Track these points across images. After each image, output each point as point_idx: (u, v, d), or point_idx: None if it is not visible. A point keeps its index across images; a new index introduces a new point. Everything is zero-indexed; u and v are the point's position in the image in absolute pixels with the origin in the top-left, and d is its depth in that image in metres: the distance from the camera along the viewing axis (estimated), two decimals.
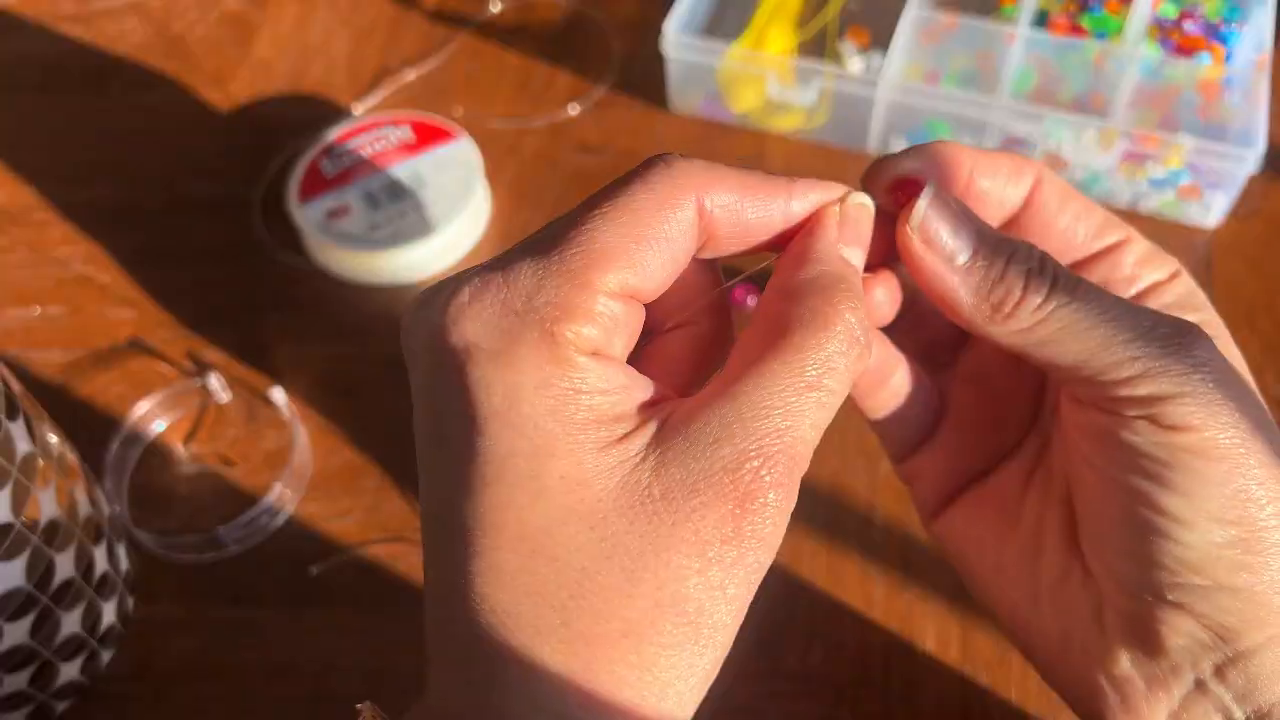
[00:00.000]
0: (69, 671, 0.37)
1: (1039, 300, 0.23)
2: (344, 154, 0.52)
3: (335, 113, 0.56)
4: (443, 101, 0.56)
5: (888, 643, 0.38)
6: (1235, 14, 0.56)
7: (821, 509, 0.41)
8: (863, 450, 0.42)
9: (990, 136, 0.50)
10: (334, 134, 0.52)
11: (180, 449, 0.45)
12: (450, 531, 0.20)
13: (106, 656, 0.39)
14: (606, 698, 0.19)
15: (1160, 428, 0.23)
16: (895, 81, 0.50)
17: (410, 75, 0.58)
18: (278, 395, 0.45)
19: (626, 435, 0.20)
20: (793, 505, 0.21)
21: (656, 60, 0.54)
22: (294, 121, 0.56)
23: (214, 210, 0.53)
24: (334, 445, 0.44)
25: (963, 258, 0.24)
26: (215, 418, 0.45)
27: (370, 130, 0.53)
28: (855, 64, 0.54)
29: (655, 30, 0.52)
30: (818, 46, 0.56)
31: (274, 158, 0.54)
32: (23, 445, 0.33)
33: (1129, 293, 0.26)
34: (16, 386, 0.35)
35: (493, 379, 0.20)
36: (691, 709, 0.20)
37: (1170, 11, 0.57)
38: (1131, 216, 0.50)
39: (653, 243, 0.21)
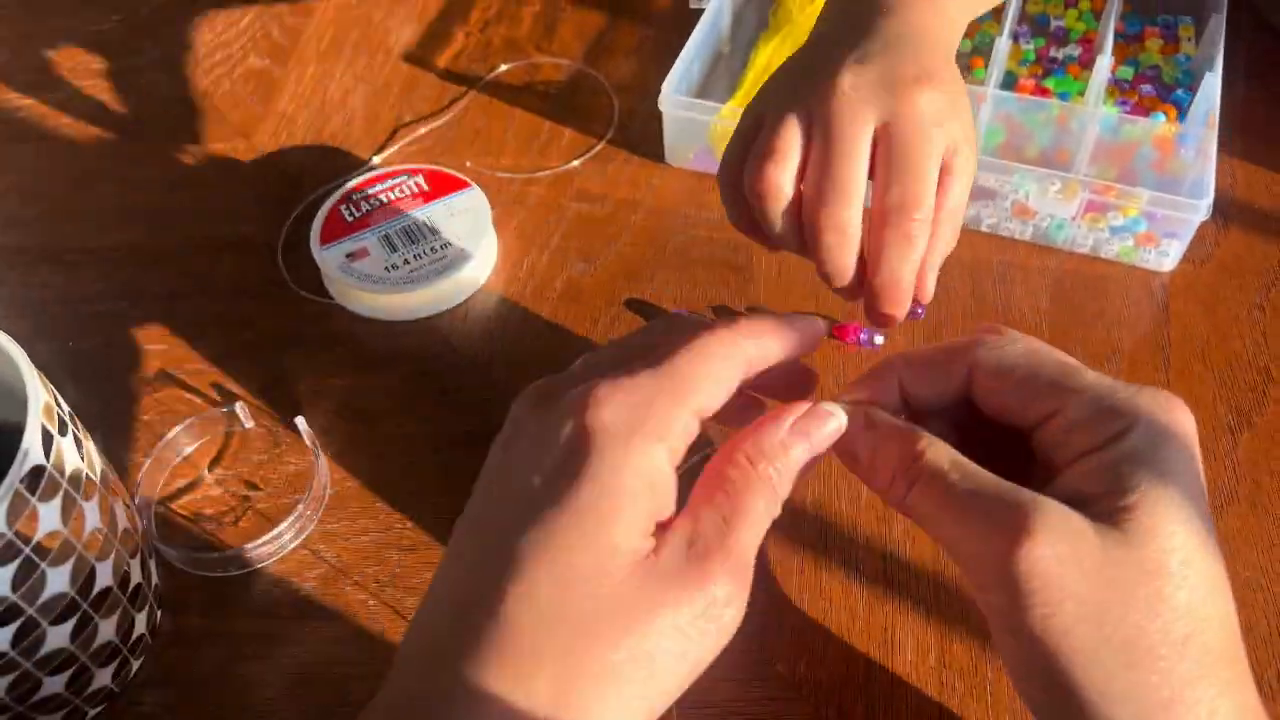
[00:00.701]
0: (102, 678, 0.40)
1: (903, 492, 0.29)
2: (362, 201, 0.55)
3: (354, 163, 0.60)
4: (454, 154, 0.60)
5: (870, 651, 0.41)
6: (1187, 77, 0.61)
7: (808, 527, 0.44)
8: (846, 475, 0.45)
9: None
10: (353, 182, 0.56)
11: (207, 473, 0.48)
12: (502, 554, 0.26)
13: (136, 665, 0.42)
14: (578, 711, 0.25)
15: (1002, 617, 0.27)
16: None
17: (424, 129, 0.62)
18: (300, 423, 0.48)
19: (660, 523, 0.27)
20: (740, 610, 0.27)
21: (653, 117, 0.58)
22: (315, 171, 0.59)
23: (240, 252, 0.56)
24: (351, 469, 0.47)
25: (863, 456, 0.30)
26: (240, 444, 0.48)
27: (387, 179, 0.56)
28: None
29: (652, 90, 0.56)
30: None
31: (296, 204, 0.58)
32: (72, 460, 0.36)
33: (1065, 461, 0.28)
34: (66, 407, 0.38)
35: (607, 454, 0.26)
36: None
37: (1127, 74, 0.61)
38: (1093, 261, 0.54)
39: (726, 382, 0.28)
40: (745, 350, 0.29)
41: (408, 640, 0.27)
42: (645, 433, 0.26)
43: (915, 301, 0.37)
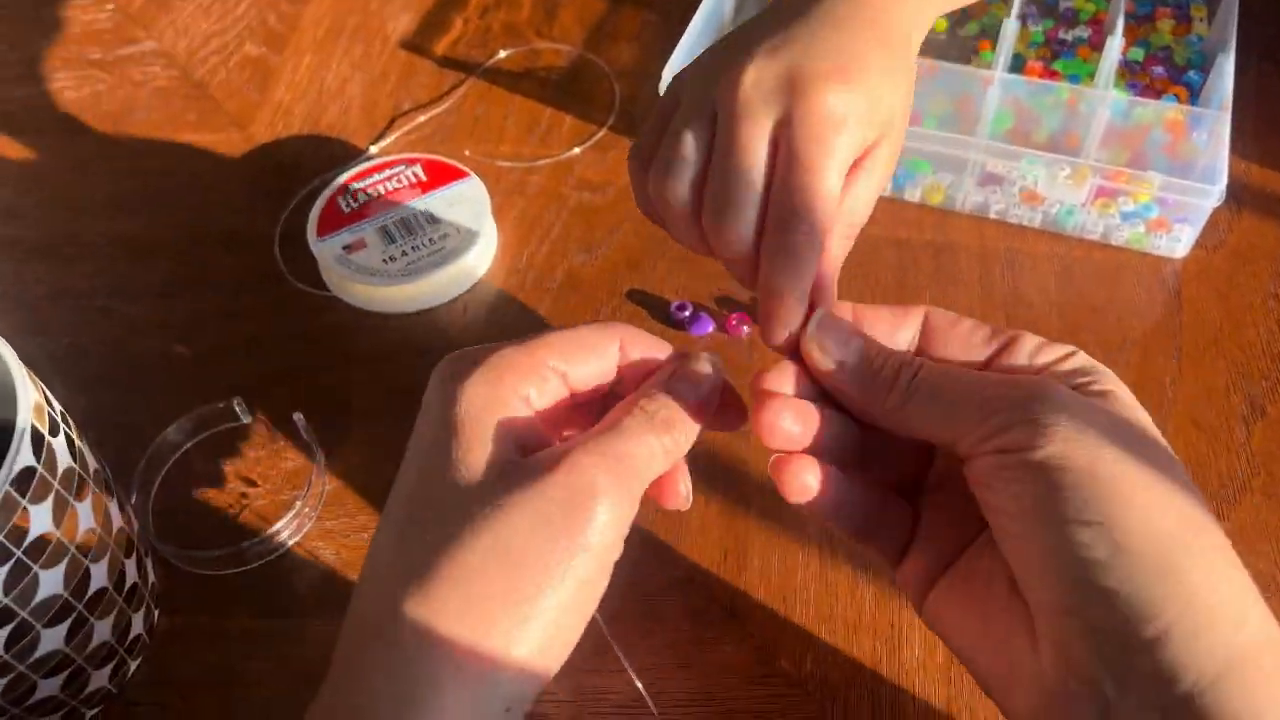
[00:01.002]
0: (99, 679, 0.39)
1: (908, 379, 0.29)
2: (359, 191, 0.55)
3: (351, 153, 0.59)
4: (453, 142, 0.60)
5: (877, 648, 0.40)
6: (1200, 59, 0.60)
7: (814, 526, 0.43)
8: None
9: (970, 174, 0.53)
10: (350, 173, 0.55)
11: (203, 470, 0.47)
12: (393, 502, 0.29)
13: (134, 665, 0.41)
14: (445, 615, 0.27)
15: (1016, 454, 0.26)
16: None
17: (422, 118, 0.61)
18: (297, 419, 0.47)
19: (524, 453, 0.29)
20: (621, 513, 0.28)
21: (655, 103, 0.57)
22: (312, 161, 0.59)
23: (236, 244, 0.56)
24: (350, 465, 0.47)
25: (850, 361, 0.30)
26: (237, 440, 0.48)
27: (384, 170, 0.55)
28: None
29: (654, 76, 0.55)
30: None
31: (293, 195, 0.57)
32: (64, 460, 0.36)
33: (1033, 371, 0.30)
34: (57, 406, 0.37)
35: (456, 395, 0.29)
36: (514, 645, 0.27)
37: (1139, 56, 0.60)
38: (1104, 248, 0.53)
39: (587, 345, 0.30)
40: (616, 329, 0.31)
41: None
42: (488, 377, 0.29)
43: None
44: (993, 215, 0.55)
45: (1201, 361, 0.48)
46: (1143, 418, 0.28)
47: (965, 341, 0.31)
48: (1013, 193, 0.53)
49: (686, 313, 0.51)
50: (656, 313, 0.51)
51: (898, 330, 0.31)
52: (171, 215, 0.57)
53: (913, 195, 0.55)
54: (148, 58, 0.66)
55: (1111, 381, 0.29)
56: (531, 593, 0.26)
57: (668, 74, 0.55)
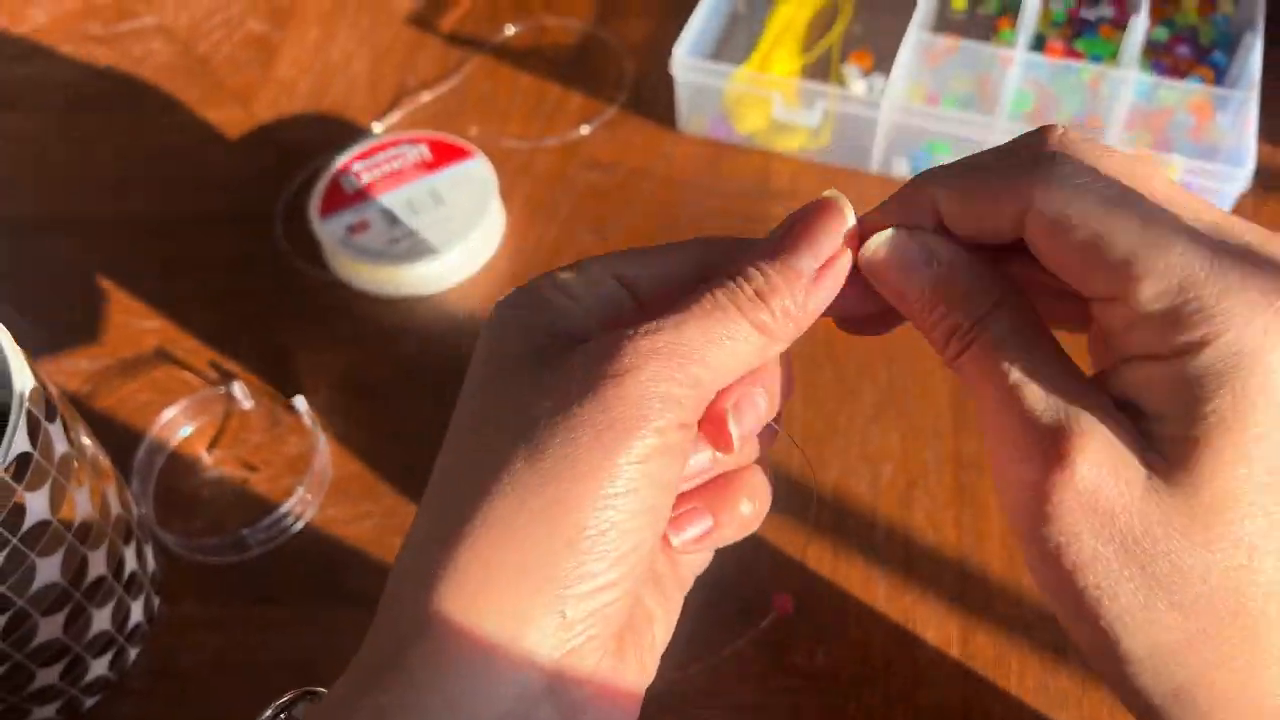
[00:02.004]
0: (98, 667, 0.39)
1: (956, 352, 0.25)
2: (363, 171, 0.53)
3: (355, 131, 0.58)
4: (459, 121, 0.58)
5: (889, 642, 0.39)
6: (1226, 39, 0.58)
7: (826, 513, 0.43)
8: (865, 456, 0.44)
9: None
10: (354, 152, 0.54)
11: (204, 454, 0.46)
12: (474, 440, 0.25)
13: (133, 653, 0.41)
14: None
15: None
16: (897, 103, 0.52)
17: (427, 96, 0.60)
18: (299, 403, 0.46)
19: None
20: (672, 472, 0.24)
21: (666, 82, 0.55)
22: (315, 139, 0.57)
23: (237, 224, 0.55)
24: (353, 451, 0.46)
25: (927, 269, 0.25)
26: (239, 424, 0.47)
27: (389, 149, 0.54)
28: (858, 86, 0.56)
29: (665, 53, 0.54)
30: (822, 69, 0.57)
31: (296, 174, 0.56)
32: (60, 446, 0.35)
33: (1125, 356, 0.24)
34: (54, 390, 0.36)
35: (494, 320, 0.26)
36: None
37: (1163, 35, 0.59)
38: None
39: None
40: (696, 243, 0.27)
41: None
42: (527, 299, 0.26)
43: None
44: None
45: None
46: None
47: (1064, 265, 0.24)
48: None
49: None
50: None
51: (997, 212, 0.25)
52: (172, 194, 0.56)
53: None
54: (149, 34, 0.64)
55: (1242, 414, 0.22)
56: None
57: (679, 50, 0.54)
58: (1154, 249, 0.22)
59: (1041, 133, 0.24)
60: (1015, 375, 0.23)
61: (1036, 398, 0.23)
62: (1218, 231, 0.22)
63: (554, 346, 0.24)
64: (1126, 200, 0.22)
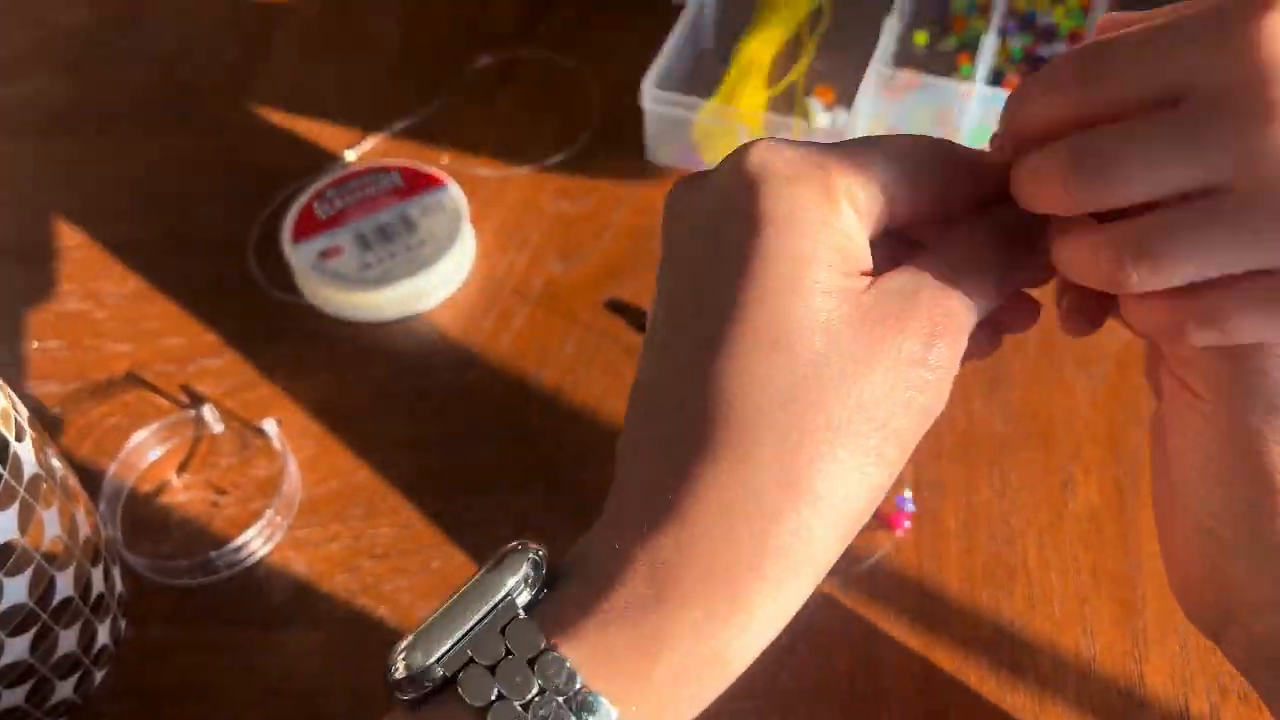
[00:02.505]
0: (64, 689, 0.39)
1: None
2: (336, 198, 0.54)
3: (328, 159, 0.59)
4: (431, 150, 0.59)
5: (852, 662, 0.40)
6: None
7: None
8: None
9: None
10: (327, 179, 0.55)
11: (174, 478, 0.46)
12: (697, 318, 0.25)
13: (99, 676, 0.41)
14: (805, 485, 0.23)
15: None
16: (859, 136, 0.53)
17: (400, 125, 0.61)
18: (269, 426, 0.46)
19: (861, 272, 0.25)
20: (956, 364, 0.25)
21: (635, 114, 0.57)
22: (289, 166, 0.58)
23: (210, 249, 0.55)
24: (323, 474, 0.46)
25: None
26: (208, 448, 0.47)
27: (362, 176, 0.55)
28: (822, 119, 0.58)
29: (634, 86, 0.55)
30: (787, 103, 0.59)
31: (269, 200, 0.57)
32: (29, 467, 0.35)
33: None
34: (24, 411, 0.37)
35: (781, 193, 0.24)
36: (859, 503, 0.24)
37: None
38: None
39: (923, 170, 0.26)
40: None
41: (620, 461, 0.26)
42: (820, 176, 0.25)
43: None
44: None
45: None
46: None
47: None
48: None
49: None
50: (637, 322, 0.51)
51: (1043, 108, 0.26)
52: (146, 218, 0.57)
53: None
54: (128, 60, 0.65)
55: None
56: (894, 461, 0.24)
57: (648, 84, 0.55)
58: None
59: None
60: None
61: None
62: None
63: (860, 296, 0.24)
64: None
